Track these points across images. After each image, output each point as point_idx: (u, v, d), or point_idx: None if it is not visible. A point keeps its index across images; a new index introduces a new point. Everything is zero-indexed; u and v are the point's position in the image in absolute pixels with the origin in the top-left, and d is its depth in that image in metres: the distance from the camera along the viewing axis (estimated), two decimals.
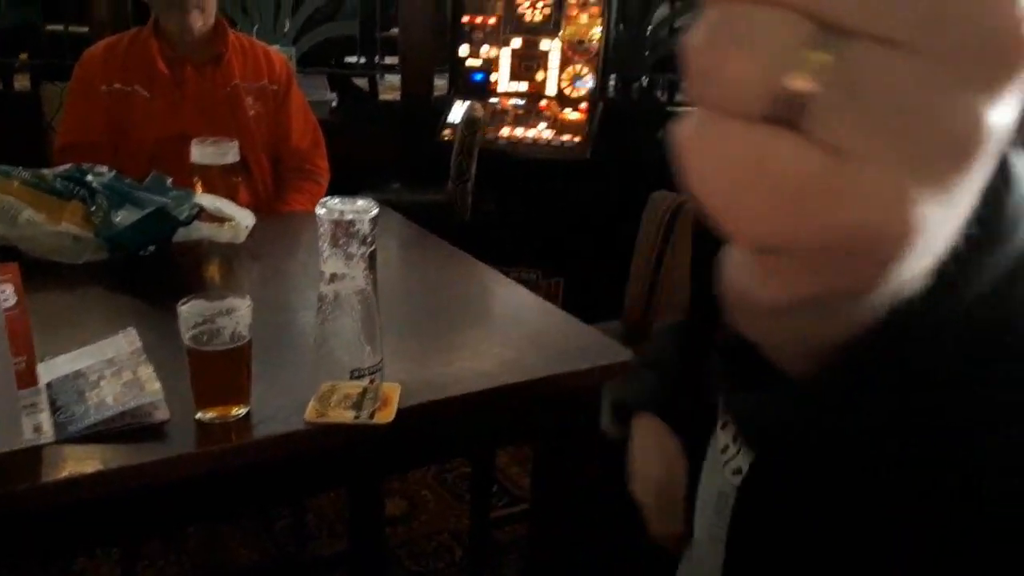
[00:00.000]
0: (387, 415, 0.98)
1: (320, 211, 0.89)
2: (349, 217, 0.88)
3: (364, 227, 0.90)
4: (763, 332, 0.29)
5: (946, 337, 0.30)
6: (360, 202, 0.92)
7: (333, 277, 0.90)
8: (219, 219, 1.54)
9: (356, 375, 0.94)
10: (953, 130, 0.21)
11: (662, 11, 3.61)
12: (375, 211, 0.94)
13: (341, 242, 0.88)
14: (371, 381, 0.95)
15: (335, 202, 0.92)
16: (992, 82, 0.21)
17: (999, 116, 0.21)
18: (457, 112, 2.99)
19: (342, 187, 2.59)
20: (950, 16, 0.20)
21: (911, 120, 0.21)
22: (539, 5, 3.02)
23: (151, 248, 1.45)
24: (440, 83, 3.32)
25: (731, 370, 0.42)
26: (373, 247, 0.95)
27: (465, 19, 3.10)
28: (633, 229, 2.05)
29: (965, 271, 0.27)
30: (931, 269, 0.26)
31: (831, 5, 0.20)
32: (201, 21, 1.96)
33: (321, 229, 0.89)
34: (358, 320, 0.92)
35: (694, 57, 0.22)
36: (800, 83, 0.20)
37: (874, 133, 0.21)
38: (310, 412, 0.96)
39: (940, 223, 0.23)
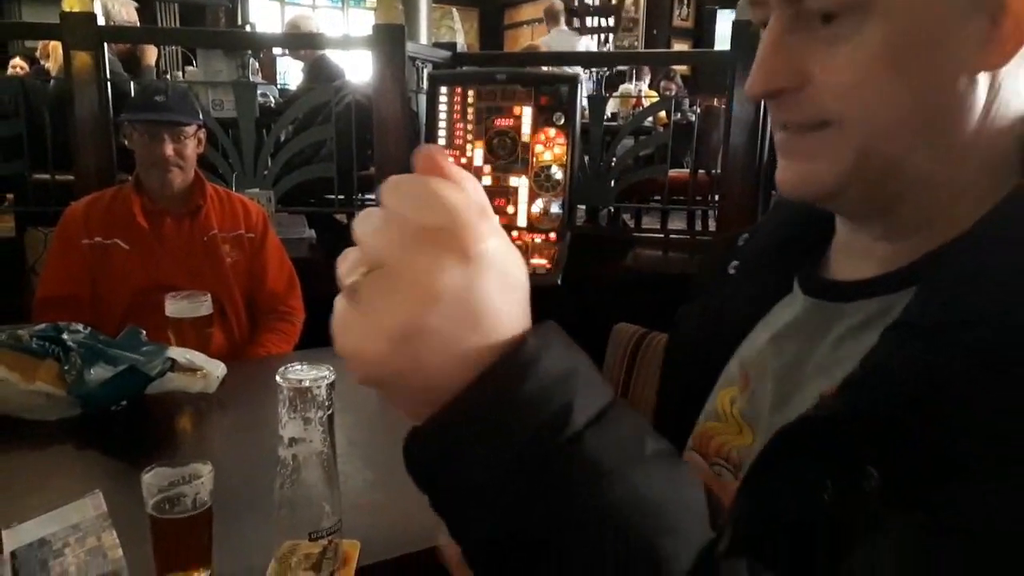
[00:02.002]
0: (347, 575, 0.99)
1: (279, 379, 0.94)
2: (307, 384, 0.93)
3: (321, 393, 0.94)
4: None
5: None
6: (318, 369, 0.97)
7: (292, 441, 0.93)
8: (191, 370, 1.58)
9: (315, 536, 0.96)
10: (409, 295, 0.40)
11: (626, 142, 3.80)
12: (332, 378, 0.99)
13: (299, 408, 0.93)
14: (330, 541, 0.98)
15: (294, 369, 0.97)
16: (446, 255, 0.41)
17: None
18: None
19: (322, 322, 2.64)
20: (408, 247, 0.41)
21: (392, 298, 0.40)
22: (507, 143, 3.18)
23: (123, 403, 1.48)
24: None
25: None
26: (331, 411, 0.99)
27: None
28: (600, 355, 2.11)
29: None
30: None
31: (367, 254, 0.42)
32: (181, 178, 2.07)
33: (280, 396, 0.93)
34: (316, 481, 0.95)
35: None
36: (352, 281, 0.42)
37: (378, 303, 0.41)
38: (270, 574, 0.98)
39: (430, 353, 0.41)
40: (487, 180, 3.22)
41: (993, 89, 0.53)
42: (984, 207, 0.54)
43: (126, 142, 2.19)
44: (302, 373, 0.95)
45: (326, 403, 0.96)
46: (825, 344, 0.62)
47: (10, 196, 3.95)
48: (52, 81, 3.86)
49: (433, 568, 1.13)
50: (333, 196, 3.59)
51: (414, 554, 1.07)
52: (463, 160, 3.23)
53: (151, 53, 4.32)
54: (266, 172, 3.29)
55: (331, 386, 1.00)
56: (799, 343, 0.65)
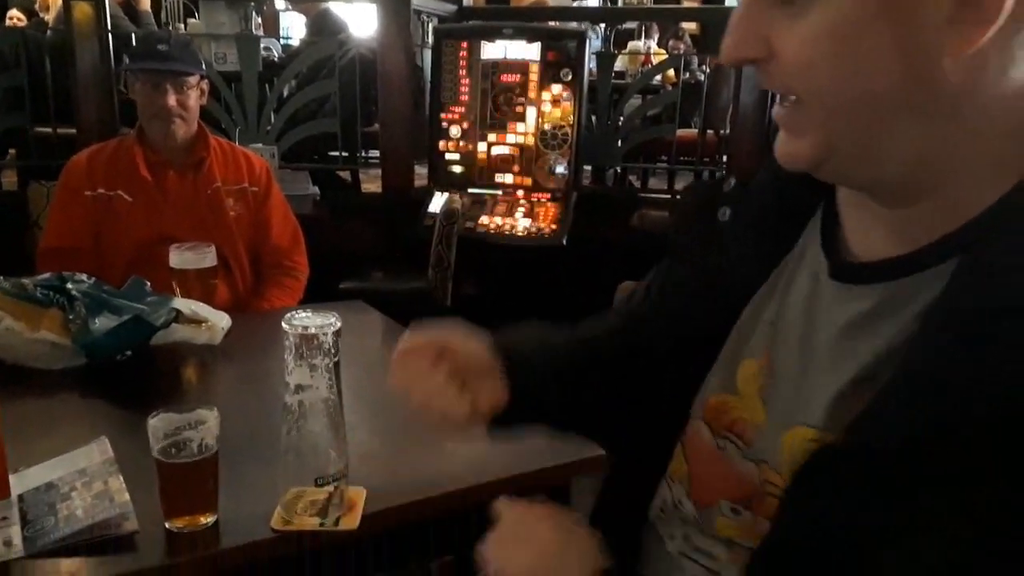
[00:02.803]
0: (352, 521, 1.00)
1: (285, 326, 0.94)
2: (312, 331, 0.92)
3: (327, 340, 0.94)
4: None
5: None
6: (324, 316, 0.97)
7: (298, 388, 0.93)
8: (196, 321, 1.58)
9: (321, 482, 0.97)
10: None
11: (633, 102, 3.76)
12: (338, 324, 0.98)
13: (305, 354, 0.92)
14: (336, 487, 0.98)
15: (300, 316, 0.96)
16: None
17: None
18: (437, 203, 3.08)
19: (326, 278, 2.66)
20: None
21: None
22: (514, 101, 3.14)
23: (128, 353, 1.48)
24: (422, 172, 3.42)
25: None
26: (337, 358, 0.99)
27: (443, 116, 3.22)
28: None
29: None
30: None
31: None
32: (184, 129, 2.04)
33: (286, 342, 0.93)
34: (323, 428, 0.95)
35: None
36: None
37: None
38: (276, 519, 0.98)
39: None
40: (492, 137, 3.19)
41: (981, 69, 0.51)
42: (996, 186, 0.54)
43: (128, 93, 2.17)
44: (308, 320, 0.95)
45: (332, 350, 0.96)
46: (836, 328, 0.62)
47: (12, 151, 3.94)
48: (49, 31, 3.81)
49: (436, 516, 1.14)
50: (337, 153, 3.56)
51: (418, 501, 1.08)
52: (469, 119, 3.20)
53: None
54: (269, 127, 3.26)
55: (337, 333, 1.00)
56: (813, 323, 0.64)
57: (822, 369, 0.61)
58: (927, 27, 0.51)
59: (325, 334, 0.93)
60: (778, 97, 0.59)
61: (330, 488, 0.97)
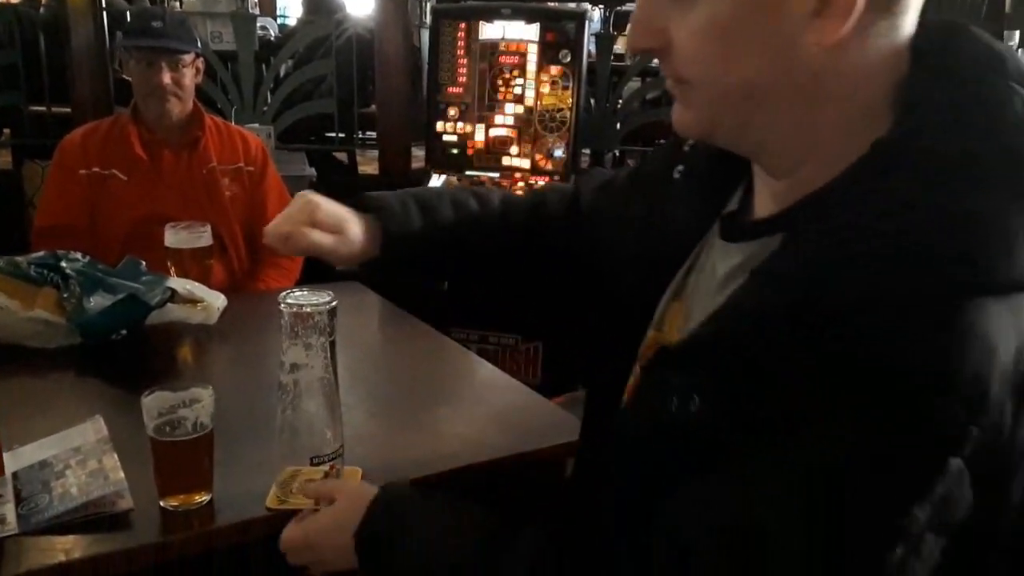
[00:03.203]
0: None
1: (281, 304, 0.93)
2: (308, 309, 0.92)
3: (323, 318, 0.93)
4: None
5: None
6: (319, 295, 0.96)
7: (294, 367, 0.93)
8: (192, 301, 1.57)
9: (317, 461, 0.96)
10: None
11: (632, 85, 3.73)
12: (333, 303, 0.98)
13: (301, 333, 0.92)
14: (332, 467, 0.98)
15: (296, 295, 0.96)
16: None
17: None
18: (434, 185, 3.07)
19: (321, 260, 2.64)
20: None
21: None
22: (512, 83, 3.12)
23: (123, 332, 1.48)
24: (420, 154, 3.41)
25: None
26: (332, 337, 0.98)
27: (441, 97, 3.20)
28: None
29: None
30: None
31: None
32: (179, 108, 2.03)
33: (282, 321, 0.92)
34: (318, 408, 0.95)
35: None
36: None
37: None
38: (271, 499, 0.98)
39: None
40: (490, 119, 3.16)
41: (838, 55, 0.58)
42: (849, 158, 0.61)
43: (122, 72, 2.15)
44: (304, 298, 0.94)
45: (327, 329, 0.95)
46: (715, 282, 0.72)
47: (7, 131, 3.91)
48: (43, 8, 3.77)
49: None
50: (333, 134, 3.54)
51: (414, 481, 1.07)
52: (466, 100, 3.18)
53: None
54: (265, 108, 3.23)
55: (332, 312, 0.99)
56: (709, 276, 0.74)
57: (699, 315, 0.69)
58: (793, 21, 0.58)
59: (320, 312, 0.93)
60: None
61: (325, 467, 0.97)
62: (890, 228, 0.56)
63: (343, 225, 0.96)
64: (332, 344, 0.99)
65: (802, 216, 0.63)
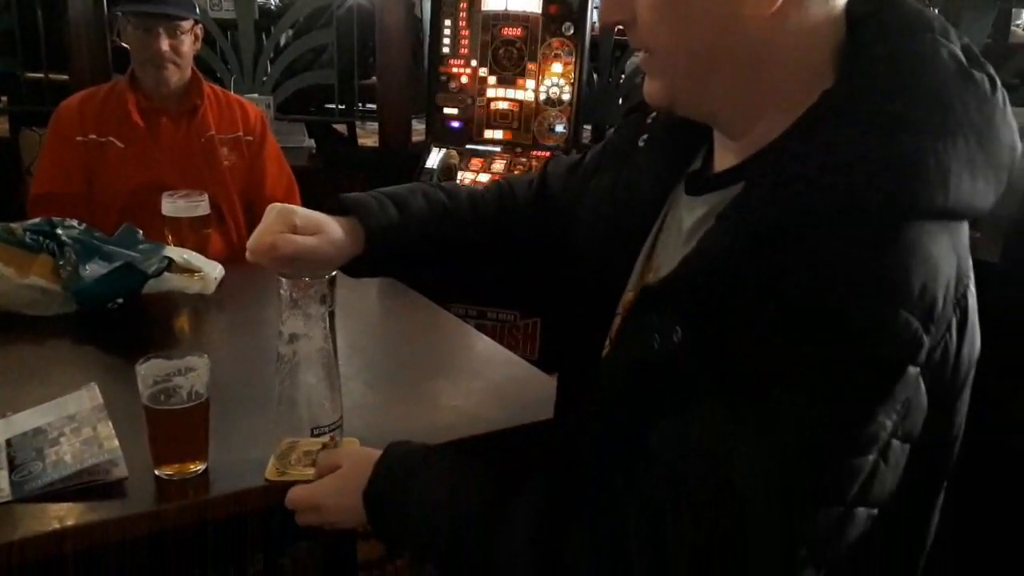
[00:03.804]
0: None
1: (279, 274, 0.92)
2: (307, 279, 0.91)
3: (322, 288, 0.92)
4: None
5: None
6: None
7: (292, 337, 0.92)
8: (189, 271, 1.56)
9: (316, 432, 0.96)
10: None
11: (634, 59, 3.69)
12: (333, 273, 0.97)
13: (300, 303, 0.91)
14: (331, 438, 0.97)
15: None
16: None
17: None
18: (434, 159, 3.04)
19: None
20: None
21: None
22: (514, 56, 3.09)
23: (119, 301, 1.46)
24: (420, 127, 3.38)
25: None
26: (332, 307, 0.97)
27: (442, 69, 3.16)
28: None
29: None
30: None
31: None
32: (177, 75, 2.00)
33: (281, 291, 0.91)
34: (318, 378, 0.94)
35: None
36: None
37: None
38: (270, 470, 0.97)
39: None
40: (491, 92, 3.13)
41: (779, 24, 0.65)
42: (787, 118, 0.68)
43: (120, 40, 2.12)
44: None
45: (328, 299, 0.94)
46: (682, 234, 0.78)
47: (3, 98, 3.87)
48: None
49: None
50: (333, 105, 3.51)
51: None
52: (468, 73, 3.14)
53: None
54: (265, 78, 3.20)
55: (332, 282, 0.98)
56: (676, 230, 0.81)
57: (668, 267, 0.74)
58: None
59: (320, 282, 0.91)
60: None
61: (325, 439, 0.96)
62: (837, 168, 0.62)
63: (322, 227, 0.95)
64: (331, 315, 0.98)
65: (759, 165, 0.69)
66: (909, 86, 0.64)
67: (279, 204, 0.96)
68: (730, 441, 0.63)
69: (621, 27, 0.73)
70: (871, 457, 0.62)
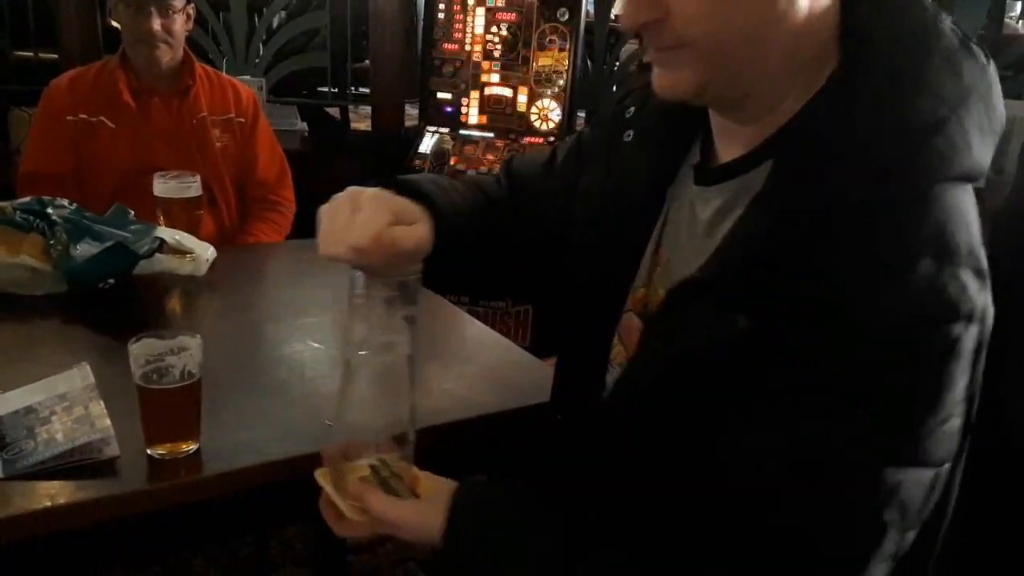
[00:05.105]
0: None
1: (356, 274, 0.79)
2: (396, 278, 0.79)
3: (417, 287, 0.81)
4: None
5: None
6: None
7: (379, 344, 0.79)
8: (181, 252, 1.55)
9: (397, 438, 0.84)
10: None
11: (629, 46, 3.69)
12: (419, 269, 0.83)
13: (391, 305, 0.79)
14: (385, 465, 0.83)
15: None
16: None
17: None
18: (427, 143, 3.03)
19: (311, 216, 2.61)
20: None
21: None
22: (508, 39, 3.08)
23: (110, 281, 1.46)
24: (413, 112, 3.36)
25: None
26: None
27: (436, 54, 3.15)
28: None
29: None
30: None
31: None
32: (169, 55, 1.98)
33: (355, 292, 0.79)
34: (405, 388, 0.82)
35: None
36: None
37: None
38: (322, 475, 0.83)
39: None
40: (485, 77, 3.12)
41: (805, 4, 0.66)
42: (810, 91, 0.69)
43: (112, 19, 2.09)
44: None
45: (416, 298, 0.83)
46: (700, 226, 0.77)
47: None
48: None
49: (422, 449, 1.13)
50: (326, 88, 3.48)
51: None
52: (462, 57, 3.13)
53: None
54: (257, 60, 3.18)
55: (420, 279, 0.84)
56: (688, 224, 0.79)
57: (686, 261, 0.75)
58: None
59: (416, 280, 0.80)
60: (650, 45, 0.72)
61: (385, 469, 0.82)
62: (867, 139, 0.64)
63: (418, 213, 0.83)
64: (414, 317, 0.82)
65: (784, 146, 0.70)
66: (920, 56, 0.67)
67: (361, 188, 0.80)
68: (824, 444, 0.64)
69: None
70: (956, 420, 0.64)
